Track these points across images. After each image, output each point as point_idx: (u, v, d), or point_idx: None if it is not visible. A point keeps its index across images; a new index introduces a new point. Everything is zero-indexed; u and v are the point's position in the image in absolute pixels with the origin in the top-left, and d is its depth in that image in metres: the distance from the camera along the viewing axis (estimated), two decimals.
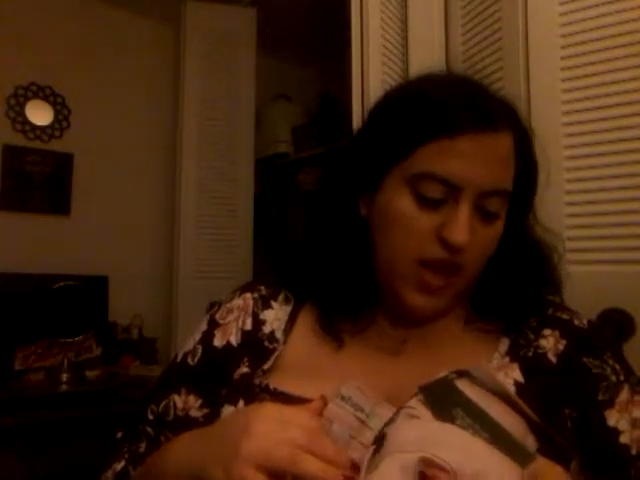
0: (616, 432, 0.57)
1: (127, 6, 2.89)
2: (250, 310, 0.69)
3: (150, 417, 0.67)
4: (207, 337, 0.69)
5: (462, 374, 0.52)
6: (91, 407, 2.05)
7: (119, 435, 0.71)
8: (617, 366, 0.60)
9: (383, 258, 0.61)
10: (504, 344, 0.63)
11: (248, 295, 0.71)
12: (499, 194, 0.58)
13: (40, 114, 2.68)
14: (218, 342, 0.68)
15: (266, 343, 0.66)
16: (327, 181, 0.69)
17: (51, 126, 2.72)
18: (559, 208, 1.06)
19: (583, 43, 1.05)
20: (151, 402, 0.68)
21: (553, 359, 0.61)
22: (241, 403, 0.61)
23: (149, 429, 0.67)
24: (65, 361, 2.26)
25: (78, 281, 2.43)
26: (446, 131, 0.56)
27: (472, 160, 0.56)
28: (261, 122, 3.04)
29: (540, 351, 0.61)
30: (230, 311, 0.70)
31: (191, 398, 0.66)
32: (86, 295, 2.42)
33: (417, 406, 0.50)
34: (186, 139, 2.75)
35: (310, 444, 0.46)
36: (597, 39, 1.04)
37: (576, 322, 0.63)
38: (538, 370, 0.60)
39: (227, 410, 0.62)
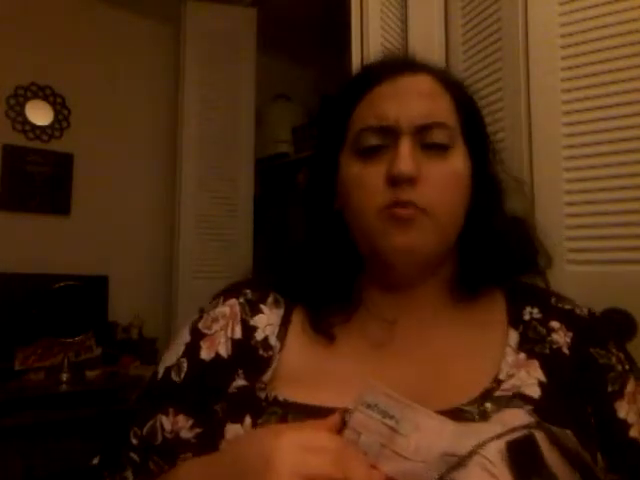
0: (626, 425, 0.56)
1: (127, 6, 2.89)
2: (238, 317, 0.64)
3: (134, 442, 0.60)
4: (192, 349, 0.63)
5: (539, 425, 0.48)
6: (91, 407, 2.05)
7: (95, 461, 0.63)
8: (621, 355, 0.59)
9: (353, 225, 0.62)
10: (513, 337, 0.60)
11: (233, 301, 0.66)
12: (437, 125, 0.59)
13: (40, 114, 2.69)
14: (206, 354, 0.62)
15: (261, 351, 0.62)
16: (305, 181, 0.71)
17: (51, 126, 2.73)
18: (559, 208, 1.06)
19: (583, 43, 1.05)
20: (133, 425, 0.61)
21: (567, 351, 0.59)
22: (248, 420, 0.55)
23: (134, 455, 0.60)
24: (65, 361, 2.26)
25: (78, 281, 2.43)
26: (368, 85, 0.61)
27: (396, 99, 0.59)
28: (261, 122, 3.04)
29: (555, 346, 0.59)
30: (215, 320, 0.64)
31: (180, 418, 0.59)
32: (86, 295, 2.42)
33: (497, 463, 0.44)
34: (186, 139, 2.75)
35: (339, 469, 0.43)
36: (597, 39, 1.04)
37: (577, 312, 0.62)
38: (558, 367, 0.58)
39: (232, 429, 0.56)
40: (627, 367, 0.58)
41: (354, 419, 0.51)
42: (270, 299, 0.66)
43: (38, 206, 2.65)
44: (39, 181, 2.66)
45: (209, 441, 0.57)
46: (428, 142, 0.58)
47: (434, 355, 0.60)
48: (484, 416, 0.52)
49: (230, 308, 0.65)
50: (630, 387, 0.57)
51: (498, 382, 0.56)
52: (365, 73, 0.65)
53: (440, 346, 0.61)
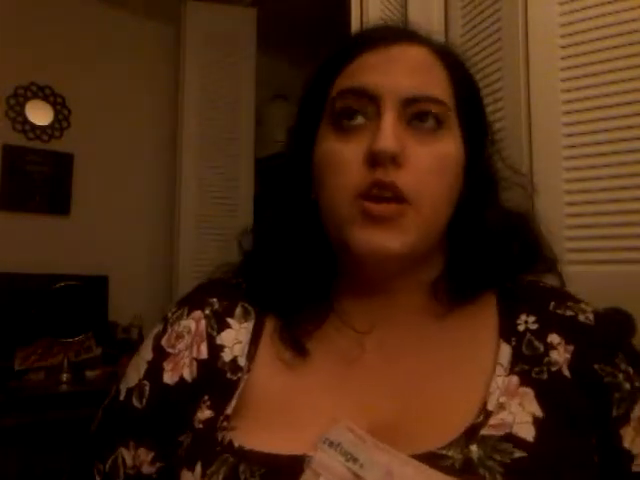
0: (629, 457, 0.48)
1: (127, 6, 2.89)
2: (204, 333, 0.56)
3: (97, 479, 0.54)
4: (154, 371, 0.56)
5: None
6: (91, 407, 2.04)
7: None
8: (630, 370, 0.50)
9: (325, 210, 0.53)
10: (505, 354, 0.51)
11: (198, 314, 0.58)
12: (427, 101, 0.50)
13: (40, 114, 2.69)
14: (169, 378, 0.55)
15: (229, 375, 0.54)
16: (277, 167, 0.63)
17: (51, 126, 2.72)
18: (559, 208, 1.06)
19: (583, 43, 1.05)
20: (96, 459, 0.55)
21: (567, 373, 0.50)
22: (198, 468, 0.48)
23: None
24: (65, 361, 2.26)
25: (78, 281, 2.43)
26: (349, 55, 0.53)
27: (381, 69, 0.51)
28: (261, 122, 3.04)
29: (554, 368, 0.50)
30: (180, 336, 0.57)
31: (141, 452, 0.53)
32: (86, 295, 2.42)
33: None
34: (186, 139, 2.75)
35: None
36: (597, 39, 1.04)
37: (581, 318, 0.53)
38: (557, 395, 0.49)
39: (185, 476, 0.49)
40: (637, 384, 0.49)
41: (315, 459, 0.45)
42: (238, 310, 0.58)
43: (38, 206, 2.65)
44: (39, 181, 2.66)
45: (171, 477, 0.51)
46: (416, 117, 0.50)
47: (412, 375, 0.52)
48: (468, 465, 0.44)
49: (195, 322, 0.57)
50: (638, 409, 0.48)
51: (486, 414, 0.48)
52: (353, 40, 0.56)
53: (420, 363, 0.53)
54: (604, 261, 1.02)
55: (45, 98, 2.72)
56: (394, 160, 0.48)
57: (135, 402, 0.55)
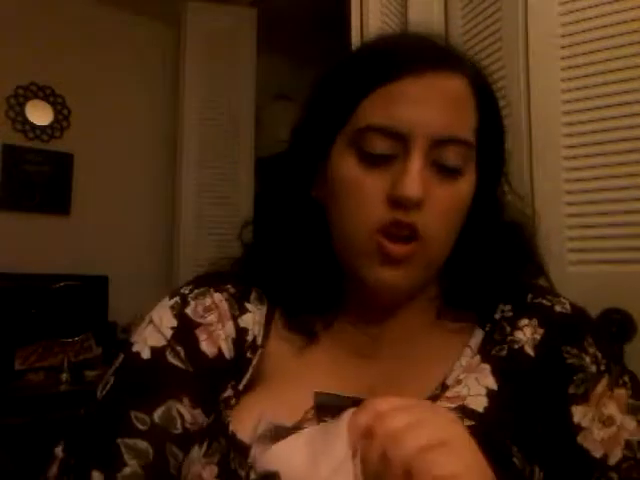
0: (577, 429, 0.50)
1: (127, 6, 2.89)
2: (229, 314, 0.57)
3: (141, 427, 0.50)
4: (187, 337, 0.54)
5: None
6: None
7: (60, 452, 0.52)
8: (599, 354, 0.52)
9: (338, 232, 0.54)
10: (476, 338, 0.56)
11: (218, 295, 0.58)
12: (456, 143, 0.50)
13: (40, 114, 2.69)
14: (207, 348, 0.54)
15: (248, 354, 0.55)
16: (282, 163, 0.61)
17: (51, 126, 2.73)
18: (559, 208, 1.06)
19: (583, 43, 1.05)
20: (130, 408, 0.51)
21: (531, 352, 0.53)
22: (204, 447, 0.49)
23: (142, 443, 0.49)
24: (65, 361, 2.26)
25: (78, 281, 2.43)
26: (386, 77, 0.50)
27: (418, 103, 0.49)
28: (261, 122, 3.04)
29: (515, 346, 0.53)
30: (209, 309, 0.57)
31: (198, 413, 0.52)
32: (86, 295, 2.42)
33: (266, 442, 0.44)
34: (186, 139, 2.75)
35: None
36: (597, 39, 1.04)
37: (557, 308, 0.55)
38: (514, 371, 0.52)
39: (194, 452, 0.49)
40: (602, 367, 0.52)
41: (252, 455, 0.46)
42: (253, 295, 0.60)
43: (38, 206, 2.65)
44: (39, 181, 2.66)
45: (220, 433, 0.50)
46: (442, 162, 0.50)
47: (399, 363, 0.56)
48: None
49: (218, 302, 0.57)
50: (600, 388, 0.51)
51: (443, 388, 0.52)
52: (387, 56, 0.52)
53: (413, 350, 0.57)
54: (604, 261, 1.02)
55: (45, 98, 2.72)
56: (417, 205, 0.49)
57: (172, 360, 0.53)
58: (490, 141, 0.55)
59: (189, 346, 0.54)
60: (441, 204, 0.50)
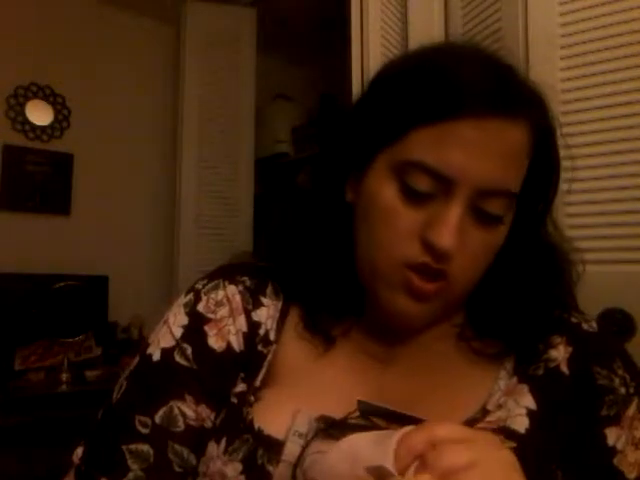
0: (613, 452, 0.49)
1: (127, 6, 2.89)
2: (240, 307, 0.57)
3: (143, 431, 0.51)
4: (195, 334, 0.55)
5: None
6: (91, 407, 2.04)
7: (77, 458, 0.54)
8: (627, 376, 0.52)
9: (364, 255, 0.52)
10: (509, 360, 0.54)
11: (232, 288, 0.58)
12: (501, 195, 0.48)
13: (40, 114, 2.69)
14: (215, 343, 0.55)
15: (260, 347, 0.56)
16: (317, 159, 0.60)
17: (51, 126, 2.72)
18: (559, 208, 1.06)
19: (583, 43, 1.05)
20: (134, 413, 0.52)
21: (566, 370, 0.52)
22: (223, 443, 0.50)
23: (142, 447, 0.51)
24: (65, 361, 2.26)
25: (78, 281, 2.43)
26: (443, 115, 0.47)
27: (472, 150, 0.46)
28: (261, 122, 3.04)
29: (551, 364, 0.52)
30: (220, 304, 0.57)
31: (202, 408, 0.53)
32: (86, 295, 2.42)
33: (320, 446, 0.44)
34: (186, 139, 2.75)
35: None
36: (597, 39, 1.04)
37: (585, 326, 0.55)
38: (552, 388, 0.51)
39: (211, 449, 0.50)
40: (632, 390, 0.51)
41: (286, 451, 0.47)
42: (269, 289, 0.59)
43: (38, 206, 2.65)
44: (39, 181, 2.66)
45: (242, 430, 0.51)
46: (483, 210, 0.48)
47: (430, 378, 0.55)
48: None
49: (231, 295, 0.58)
50: (631, 411, 0.50)
51: (484, 412, 0.51)
52: (446, 88, 0.48)
53: (439, 369, 0.56)
54: (604, 261, 1.02)
55: (45, 98, 2.72)
56: (448, 255, 0.47)
57: (179, 359, 0.54)
58: (542, 183, 0.53)
59: (197, 343, 0.55)
60: (474, 250, 0.49)
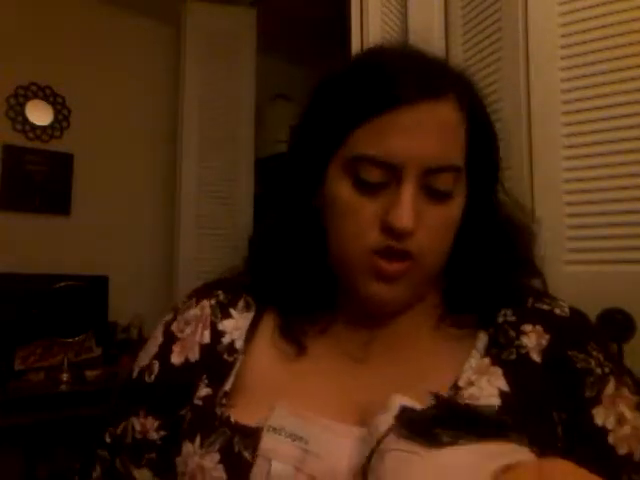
0: (604, 432, 0.52)
1: (127, 6, 2.89)
2: (208, 320, 0.62)
3: (107, 440, 0.61)
4: (164, 352, 0.61)
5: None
6: (91, 407, 2.05)
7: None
8: (601, 357, 0.54)
9: (334, 249, 0.56)
10: (482, 340, 0.57)
11: (205, 303, 0.63)
12: (447, 170, 0.52)
13: (40, 114, 2.69)
14: (176, 359, 0.60)
15: (225, 356, 0.59)
16: (282, 171, 0.63)
17: (51, 126, 2.73)
18: (559, 208, 1.06)
19: (583, 43, 1.06)
20: (109, 426, 0.62)
21: (537, 358, 0.55)
22: (198, 440, 0.54)
23: (104, 453, 0.61)
24: (65, 361, 2.26)
25: (78, 281, 2.43)
26: (379, 109, 0.51)
27: (411, 134, 0.50)
28: (261, 122, 3.04)
29: (522, 351, 0.55)
30: (187, 323, 0.62)
31: (149, 420, 0.59)
32: (86, 295, 2.42)
33: (398, 441, 0.44)
34: (186, 139, 2.75)
35: None
36: (597, 39, 1.04)
37: (557, 311, 0.57)
38: (523, 374, 0.54)
39: (186, 447, 0.54)
40: (607, 370, 0.54)
41: (262, 446, 0.49)
42: (241, 303, 0.63)
43: (38, 206, 2.65)
44: (39, 181, 2.66)
45: (173, 445, 0.56)
46: (433, 187, 0.52)
47: (405, 368, 0.57)
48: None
49: (201, 310, 0.63)
50: (609, 389, 0.53)
51: (456, 389, 0.53)
52: (379, 86, 0.52)
53: (414, 358, 0.58)
54: (604, 261, 1.02)
55: (45, 98, 2.72)
56: (409, 234, 0.51)
57: (146, 378, 0.61)
58: (482, 152, 0.57)
59: (163, 361, 0.61)
60: (433, 225, 0.52)
